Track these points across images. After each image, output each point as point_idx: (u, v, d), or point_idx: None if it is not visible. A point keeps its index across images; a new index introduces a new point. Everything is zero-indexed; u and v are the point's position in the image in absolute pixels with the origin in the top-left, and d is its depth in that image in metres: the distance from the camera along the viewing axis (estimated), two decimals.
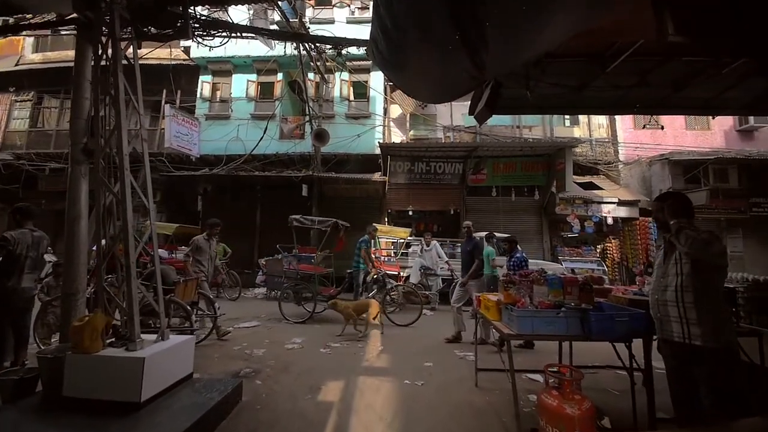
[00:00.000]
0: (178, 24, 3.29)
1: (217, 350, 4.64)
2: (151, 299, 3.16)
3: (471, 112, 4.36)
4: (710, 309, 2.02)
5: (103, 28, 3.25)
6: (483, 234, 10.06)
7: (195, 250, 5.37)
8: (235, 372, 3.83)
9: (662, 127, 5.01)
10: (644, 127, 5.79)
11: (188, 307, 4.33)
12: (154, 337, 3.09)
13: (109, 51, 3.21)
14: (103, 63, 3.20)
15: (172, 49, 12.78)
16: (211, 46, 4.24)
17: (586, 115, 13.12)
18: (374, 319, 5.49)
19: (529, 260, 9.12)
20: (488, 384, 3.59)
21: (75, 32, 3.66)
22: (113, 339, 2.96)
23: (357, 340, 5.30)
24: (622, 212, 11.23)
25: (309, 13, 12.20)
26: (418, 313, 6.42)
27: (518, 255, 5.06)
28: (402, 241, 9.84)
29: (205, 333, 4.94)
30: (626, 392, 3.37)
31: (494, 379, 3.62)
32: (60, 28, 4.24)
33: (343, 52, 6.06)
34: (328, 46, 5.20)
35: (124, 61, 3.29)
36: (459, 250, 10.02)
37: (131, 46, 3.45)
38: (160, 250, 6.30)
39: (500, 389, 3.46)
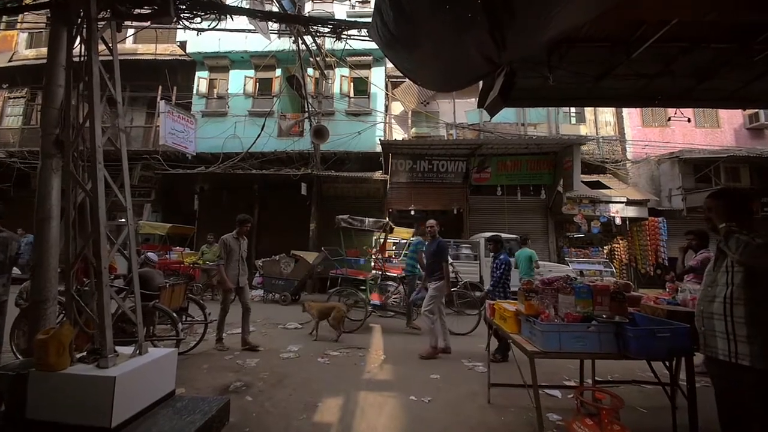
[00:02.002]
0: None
1: (207, 360, 4.32)
2: (126, 308, 2.83)
3: (481, 104, 4.05)
4: (765, 325, 1.76)
5: (80, 9, 2.94)
6: (488, 234, 9.84)
7: (227, 251, 4.91)
8: (224, 386, 3.50)
9: (689, 120, 4.71)
10: (669, 119, 5.52)
11: (174, 315, 3.99)
12: (131, 349, 2.77)
13: (84, 32, 2.89)
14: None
15: (168, 45, 12.52)
16: (199, 30, 3.93)
17: (592, 113, 12.79)
18: (339, 323, 5.22)
19: (538, 262, 8.93)
20: (502, 400, 3.26)
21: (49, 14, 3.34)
22: (85, 353, 2.64)
23: (357, 348, 4.98)
24: (631, 212, 10.94)
25: (308, 8, 11.92)
26: (476, 321, 5.85)
27: (502, 256, 4.71)
28: (405, 241, 9.52)
29: (195, 340, 4.63)
30: (656, 411, 3.06)
31: (508, 394, 3.30)
32: (35, 12, 3.91)
33: (344, 45, 5.77)
34: (328, 35, 4.89)
35: (108, 55, 2.98)
36: (463, 251, 9.74)
37: (109, 30, 3.13)
38: (150, 252, 5.98)
39: (516, 407, 3.14)
